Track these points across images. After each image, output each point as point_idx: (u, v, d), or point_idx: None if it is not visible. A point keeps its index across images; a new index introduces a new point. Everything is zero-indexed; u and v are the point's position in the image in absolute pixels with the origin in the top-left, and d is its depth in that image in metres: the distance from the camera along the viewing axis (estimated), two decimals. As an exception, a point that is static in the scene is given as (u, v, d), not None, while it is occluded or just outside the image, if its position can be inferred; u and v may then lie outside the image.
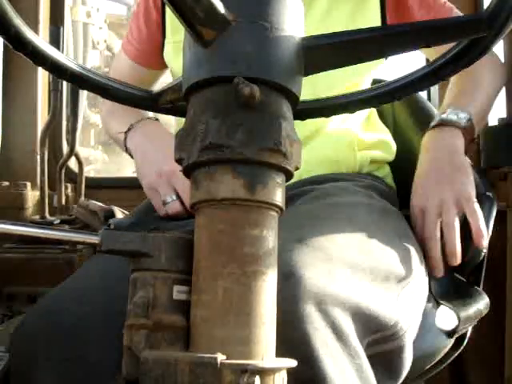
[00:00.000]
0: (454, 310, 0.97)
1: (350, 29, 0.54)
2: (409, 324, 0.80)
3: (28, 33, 0.51)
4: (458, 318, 0.96)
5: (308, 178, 1.07)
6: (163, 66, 1.30)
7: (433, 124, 1.07)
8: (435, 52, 0.86)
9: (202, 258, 0.50)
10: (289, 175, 0.52)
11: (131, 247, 0.53)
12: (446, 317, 0.96)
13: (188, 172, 0.52)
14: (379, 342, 0.76)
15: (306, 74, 0.53)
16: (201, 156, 0.49)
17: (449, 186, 0.98)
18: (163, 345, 0.50)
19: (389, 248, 0.85)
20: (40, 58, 0.53)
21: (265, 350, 0.49)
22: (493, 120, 1.58)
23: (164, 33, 1.23)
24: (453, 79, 1.19)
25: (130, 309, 0.52)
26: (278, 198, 0.50)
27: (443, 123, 1.04)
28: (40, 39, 0.52)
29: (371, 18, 1.14)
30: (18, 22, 0.50)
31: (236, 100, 0.48)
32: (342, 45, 0.52)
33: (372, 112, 1.25)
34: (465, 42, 0.53)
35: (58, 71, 0.55)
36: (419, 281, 0.88)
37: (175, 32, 1.20)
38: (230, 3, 0.48)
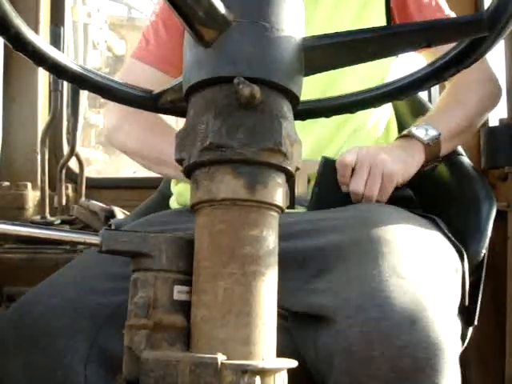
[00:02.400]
0: None
1: (354, 29, 0.53)
2: None
3: (28, 33, 0.51)
4: None
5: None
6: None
7: (401, 134, 1.11)
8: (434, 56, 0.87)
9: (202, 258, 0.50)
10: (289, 175, 0.52)
11: (132, 247, 0.53)
12: None
13: (188, 172, 0.52)
14: None
15: (307, 74, 0.53)
16: (201, 156, 0.49)
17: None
18: (164, 345, 0.50)
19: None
20: (40, 58, 0.53)
21: (265, 351, 0.49)
22: (493, 120, 1.58)
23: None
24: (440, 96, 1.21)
25: (130, 309, 0.52)
26: (279, 198, 0.50)
27: (409, 135, 1.08)
28: (40, 39, 0.52)
29: (376, 18, 1.14)
30: (19, 22, 0.50)
31: (236, 100, 0.48)
32: (342, 45, 0.52)
33: (391, 124, 1.24)
34: (466, 42, 0.53)
35: (58, 71, 0.55)
36: None
37: None
38: (230, 3, 0.48)
